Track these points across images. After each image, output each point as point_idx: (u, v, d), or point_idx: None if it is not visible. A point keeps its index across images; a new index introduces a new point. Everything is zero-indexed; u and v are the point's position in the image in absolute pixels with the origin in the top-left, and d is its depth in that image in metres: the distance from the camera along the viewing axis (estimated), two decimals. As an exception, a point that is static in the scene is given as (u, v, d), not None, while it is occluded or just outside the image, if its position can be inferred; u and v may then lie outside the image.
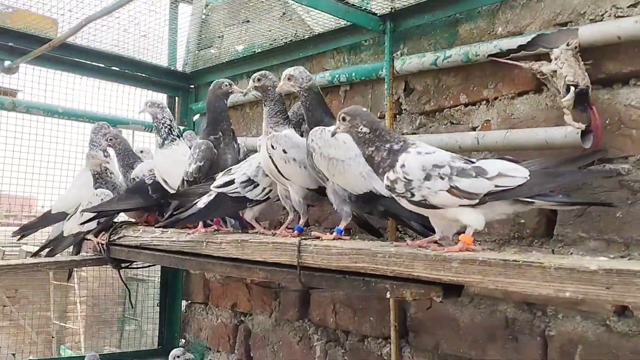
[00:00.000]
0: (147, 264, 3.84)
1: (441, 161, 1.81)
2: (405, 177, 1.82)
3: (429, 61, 2.68)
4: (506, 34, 2.48)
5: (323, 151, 2.27)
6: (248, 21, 4.06)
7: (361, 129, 1.92)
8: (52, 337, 9.20)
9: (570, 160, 1.95)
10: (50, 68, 3.91)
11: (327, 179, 2.30)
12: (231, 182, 2.64)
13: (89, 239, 3.51)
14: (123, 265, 3.57)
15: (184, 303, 4.42)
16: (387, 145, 1.88)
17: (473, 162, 1.84)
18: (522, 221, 2.37)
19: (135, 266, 3.75)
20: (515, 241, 2.38)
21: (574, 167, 1.92)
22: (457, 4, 2.61)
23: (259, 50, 3.80)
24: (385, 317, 2.86)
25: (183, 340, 4.34)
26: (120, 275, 3.61)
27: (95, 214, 3.30)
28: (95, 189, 3.45)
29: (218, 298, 4.06)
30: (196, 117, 4.53)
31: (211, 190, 2.65)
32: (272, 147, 2.45)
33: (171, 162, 3.17)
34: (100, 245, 3.43)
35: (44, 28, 3.80)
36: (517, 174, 1.77)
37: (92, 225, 3.43)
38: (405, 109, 2.91)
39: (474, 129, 2.58)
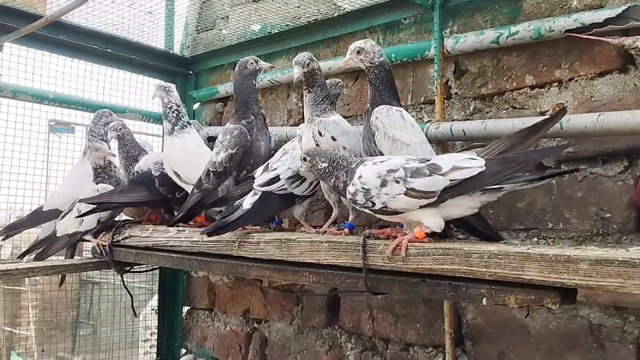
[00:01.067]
0: (151, 267, 3.50)
1: (395, 165, 1.82)
2: (363, 187, 1.84)
3: (489, 39, 2.43)
4: (583, 7, 2.24)
5: (388, 131, 2.05)
6: (257, 0, 3.74)
7: (320, 166, 1.99)
8: (1, 346, 8.65)
9: (529, 131, 1.78)
10: (39, 49, 3.51)
11: None
12: (276, 179, 2.36)
13: (88, 240, 3.15)
14: (127, 269, 3.19)
15: (184, 309, 4.06)
16: (345, 168, 1.94)
17: (428, 160, 1.81)
18: (608, 215, 2.14)
19: (138, 270, 3.38)
20: (598, 238, 2.15)
21: (535, 137, 1.78)
22: (520, -26, 2.37)
23: (274, 31, 3.48)
24: (435, 323, 2.60)
25: (184, 350, 3.99)
26: (122, 281, 3.24)
27: (94, 206, 2.94)
28: (97, 184, 3.08)
29: (226, 303, 3.73)
30: (196, 105, 4.18)
31: (254, 189, 2.36)
32: (320, 133, 2.23)
33: (184, 152, 2.87)
34: (101, 246, 3.08)
35: (32, 3, 3.41)
36: (471, 164, 1.73)
37: (91, 224, 3.07)
38: (455, 93, 2.66)
39: (542, 113, 2.35)
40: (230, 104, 3.90)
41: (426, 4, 2.61)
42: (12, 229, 3.27)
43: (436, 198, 1.76)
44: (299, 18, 3.36)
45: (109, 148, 3.19)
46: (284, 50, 3.51)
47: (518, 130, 2.13)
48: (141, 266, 3.37)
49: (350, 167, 1.92)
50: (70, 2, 2.91)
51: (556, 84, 2.31)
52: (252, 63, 2.66)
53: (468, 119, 2.58)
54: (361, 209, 1.93)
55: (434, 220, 1.81)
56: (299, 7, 3.37)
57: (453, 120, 2.61)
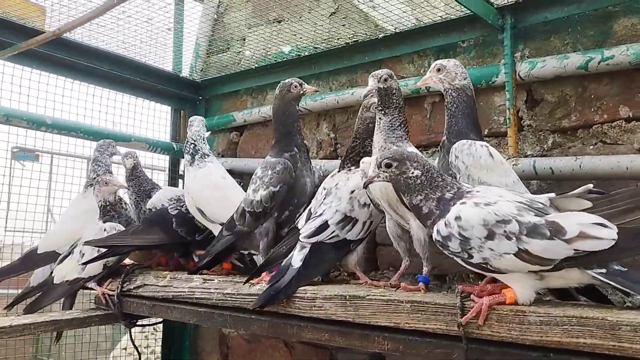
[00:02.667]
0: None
1: (505, 214, 1.49)
2: (460, 234, 1.51)
3: (576, 64, 2.15)
4: (690, 29, 1.97)
5: (472, 173, 1.75)
6: (280, 21, 3.44)
7: (412, 173, 1.61)
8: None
9: None
10: (35, 67, 3.13)
11: None
12: (325, 226, 2.05)
13: (91, 288, 2.72)
14: (137, 322, 2.77)
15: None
16: (439, 191, 1.59)
17: (546, 214, 1.50)
18: None
19: (147, 322, 2.96)
20: None
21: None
22: (611, -7, 2.10)
23: (303, 54, 3.16)
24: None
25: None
26: (131, 337, 2.81)
27: (105, 250, 2.56)
28: (104, 222, 2.68)
29: (242, 359, 3.31)
30: (207, 134, 3.81)
31: (301, 241, 2.01)
32: None
33: (208, 185, 2.56)
34: (107, 296, 2.66)
35: (29, 16, 3.05)
36: (602, 233, 1.43)
37: (96, 269, 2.68)
38: (528, 125, 2.37)
39: (640, 150, 2.05)
40: (248, 134, 3.56)
41: (496, 24, 2.32)
42: (1, 275, 2.84)
43: (552, 267, 1.46)
44: (330, 40, 3.06)
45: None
46: (313, 75, 3.19)
47: (625, 171, 1.84)
48: (150, 318, 2.95)
49: (445, 195, 1.58)
50: (81, 15, 2.56)
51: (659, 116, 2.03)
52: (296, 86, 2.34)
53: (545, 155, 2.29)
54: (450, 256, 1.58)
55: (526, 293, 1.52)
56: (328, 29, 3.08)
57: (526, 156, 2.31)
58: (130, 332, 2.79)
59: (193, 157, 2.64)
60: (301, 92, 2.36)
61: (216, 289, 2.29)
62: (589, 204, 1.55)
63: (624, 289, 1.48)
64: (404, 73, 2.80)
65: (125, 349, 4.02)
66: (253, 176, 2.28)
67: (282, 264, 2.02)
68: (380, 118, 1.94)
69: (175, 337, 3.57)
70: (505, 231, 1.47)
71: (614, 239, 1.41)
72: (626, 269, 1.48)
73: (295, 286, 1.94)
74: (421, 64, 2.74)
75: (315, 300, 1.93)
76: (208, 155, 2.67)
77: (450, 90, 1.82)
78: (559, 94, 2.28)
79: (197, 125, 2.70)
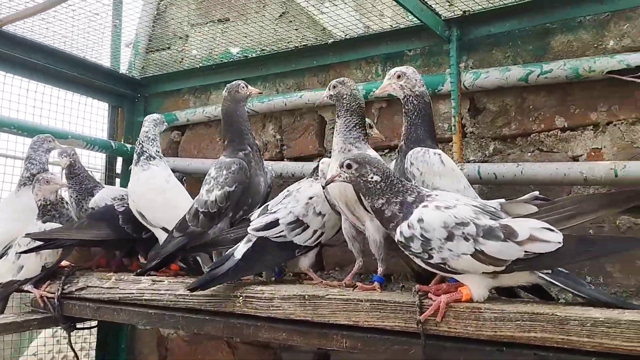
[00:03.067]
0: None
1: (465, 217, 1.57)
2: (422, 235, 1.58)
3: (517, 76, 2.29)
4: (620, 49, 2.16)
5: (426, 179, 1.82)
6: (226, 20, 3.43)
7: (372, 178, 1.67)
8: None
9: (608, 202, 1.58)
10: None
11: None
12: (275, 224, 2.08)
13: (28, 291, 2.62)
14: (78, 325, 2.69)
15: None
16: (400, 196, 1.65)
17: (500, 217, 1.59)
18: (657, 269, 2.02)
19: (81, 326, 2.86)
20: (646, 294, 2.03)
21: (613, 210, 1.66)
22: (550, 11, 2.27)
23: (249, 56, 3.17)
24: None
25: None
26: (70, 341, 2.71)
27: (42, 243, 2.47)
28: (43, 222, 2.58)
29: (182, 361, 3.28)
30: (162, 129, 3.72)
31: (249, 233, 2.03)
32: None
33: (150, 189, 2.51)
34: (46, 299, 2.56)
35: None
36: (549, 237, 1.53)
37: (34, 271, 2.58)
38: (471, 132, 2.50)
39: (574, 158, 2.22)
40: (190, 134, 3.52)
41: (443, 35, 2.44)
42: None
43: (504, 268, 1.55)
44: (277, 43, 3.09)
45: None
46: (260, 77, 3.21)
47: (563, 177, 1.99)
48: (84, 322, 2.86)
49: (406, 199, 1.64)
50: (25, 9, 2.46)
51: (591, 127, 2.21)
52: (243, 87, 2.39)
53: (486, 161, 2.42)
54: (412, 257, 1.66)
55: (480, 291, 1.62)
56: (276, 32, 3.10)
57: (469, 161, 2.44)
58: (69, 336, 2.69)
59: (139, 157, 2.59)
60: (247, 93, 2.39)
61: (167, 290, 2.26)
62: (534, 209, 1.66)
63: (567, 288, 1.62)
64: (352, 78, 2.85)
65: (35, 354, 3.84)
66: (207, 177, 2.27)
67: (227, 253, 2.04)
68: (336, 121, 2.00)
69: (111, 339, 3.46)
70: (463, 233, 1.55)
71: (559, 242, 1.51)
72: (568, 272, 1.62)
73: (232, 277, 1.98)
74: (369, 70, 2.83)
75: (273, 300, 1.96)
76: (154, 158, 2.58)
77: (411, 97, 1.88)
78: (500, 104, 2.42)
79: (147, 126, 2.64)
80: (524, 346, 1.54)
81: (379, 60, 2.79)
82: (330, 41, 2.83)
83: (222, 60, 3.28)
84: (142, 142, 2.61)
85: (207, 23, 3.52)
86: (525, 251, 1.52)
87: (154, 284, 2.33)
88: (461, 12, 2.39)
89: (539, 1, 2.26)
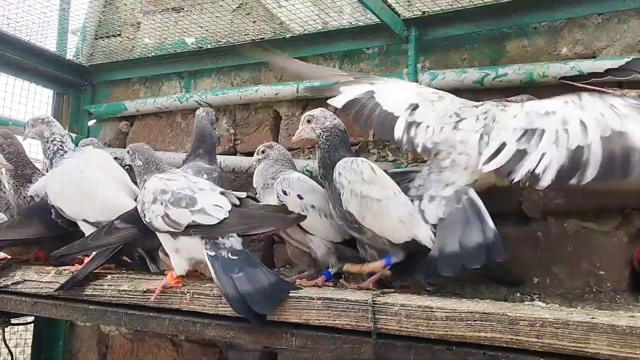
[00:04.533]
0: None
1: (168, 187, 1.92)
2: (142, 199, 1.97)
3: (473, 78, 2.33)
4: (573, 55, 2.22)
5: (355, 187, 1.85)
6: (179, 10, 3.35)
7: (137, 163, 2.11)
8: None
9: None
10: None
11: (357, 226, 1.89)
12: None
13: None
14: (14, 321, 2.57)
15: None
16: (149, 174, 2.04)
17: (200, 190, 1.92)
18: (601, 273, 2.08)
19: (17, 321, 2.74)
20: (590, 296, 2.08)
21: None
22: (506, 16, 2.31)
23: (203, 47, 3.11)
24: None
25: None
26: (4, 338, 2.59)
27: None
28: (-21, 208, 2.46)
29: (124, 359, 3.18)
30: (92, 122, 3.61)
31: None
32: (285, 192, 2.07)
33: (63, 183, 2.37)
34: (-22, 293, 2.43)
35: None
36: (217, 213, 1.84)
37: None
38: (426, 134, 2.50)
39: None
40: (139, 124, 3.43)
41: (402, 35, 2.45)
42: None
43: (182, 230, 1.85)
44: (233, 35, 3.04)
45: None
46: (214, 69, 3.16)
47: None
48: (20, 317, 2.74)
49: (149, 174, 2.03)
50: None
51: (543, 132, 2.24)
52: (213, 113, 2.64)
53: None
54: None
55: (177, 262, 1.95)
56: (232, 23, 3.05)
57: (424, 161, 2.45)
58: (3, 332, 2.57)
59: (51, 160, 2.42)
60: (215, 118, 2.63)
61: (110, 285, 2.18)
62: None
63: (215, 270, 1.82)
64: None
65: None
66: None
67: None
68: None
69: (47, 336, 3.33)
70: (162, 199, 1.89)
71: (225, 215, 1.82)
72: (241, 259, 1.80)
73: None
74: (326, 66, 2.81)
75: (222, 297, 1.92)
76: (66, 152, 2.42)
77: (322, 133, 1.97)
78: (455, 106, 2.44)
79: (53, 127, 2.47)
80: (473, 345, 1.56)
81: (337, 57, 2.78)
82: (287, 35, 2.80)
83: (175, 50, 3.20)
84: (62, 138, 2.46)
85: (160, 11, 3.43)
86: (194, 221, 1.83)
87: (96, 279, 2.25)
88: (420, 13, 2.41)
89: (495, 6, 2.30)
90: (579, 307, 1.89)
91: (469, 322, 1.53)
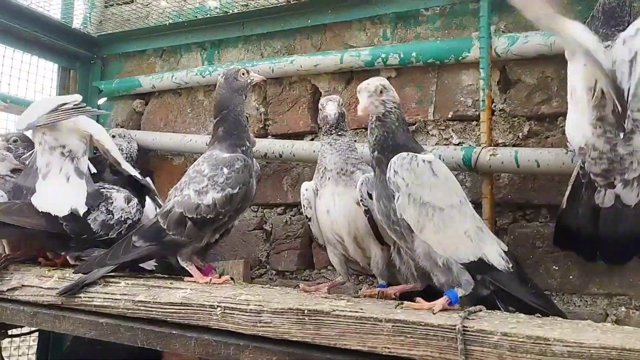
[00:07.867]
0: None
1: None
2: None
3: (564, 42, 1.90)
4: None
5: (413, 192, 1.53)
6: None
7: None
8: None
9: None
10: None
11: (406, 234, 1.58)
12: None
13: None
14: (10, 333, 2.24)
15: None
16: None
17: None
18: None
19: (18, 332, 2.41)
20: None
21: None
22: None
23: (228, 12, 2.73)
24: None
25: None
26: (-1, 352, 2.26)
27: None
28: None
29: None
30: (102, 100, 3.25)
31: None
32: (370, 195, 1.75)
33: None
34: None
35: None
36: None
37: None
38: (500, 110, 2.13)
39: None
40: (156, 103, 3.07)
41: (469, -10, 2.04)
42: None
43: None
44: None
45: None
46: (241, 38, 2.79)
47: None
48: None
49: None
50: None
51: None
52: (243, 74, 2.02)
53: (518, 145, 2.05)
54: None
55: None
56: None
57: (497, 144, 2.06)
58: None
59: None
60: (248, 80, 2.03)
61: (123, 294, 1.84)
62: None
63: None
64: (353, 42, 2.48)
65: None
66: (193, 173, 1.91)
67: None
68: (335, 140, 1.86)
69: (51, 352, 2.99)
70: None
71: None
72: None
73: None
74: (375, 32, 2.42)
75: (262, 314, 1.57)
76: None
77: (393, 109, 1.60)
78: (538, 76, 2.05)
79: None
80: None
81: (387, 21, 2.39)
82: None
83: (195, 17, 2.84)
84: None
85: (178, -27, 3.04)
86: None
87: (106, 286, 1.90)
88: (492, -36, 2.00)
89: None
90: None
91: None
